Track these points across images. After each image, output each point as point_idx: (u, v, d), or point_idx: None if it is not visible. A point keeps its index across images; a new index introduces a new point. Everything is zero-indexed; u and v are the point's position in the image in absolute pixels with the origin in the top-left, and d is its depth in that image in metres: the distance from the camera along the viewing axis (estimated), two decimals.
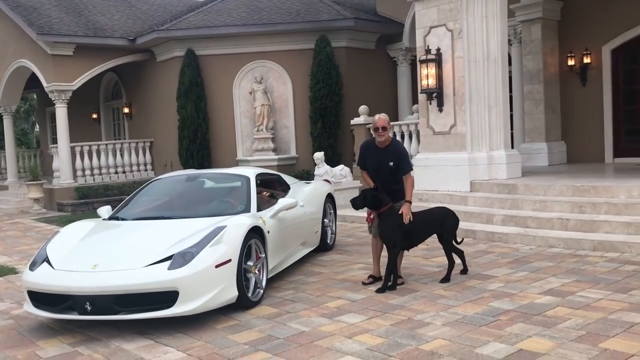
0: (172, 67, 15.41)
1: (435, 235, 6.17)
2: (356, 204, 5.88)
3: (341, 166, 12.03)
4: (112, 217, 6.36)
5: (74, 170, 15.49)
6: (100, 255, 5.11)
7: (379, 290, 5.70)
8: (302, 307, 5.43)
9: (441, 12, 10.31)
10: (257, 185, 6.57)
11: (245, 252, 5.36)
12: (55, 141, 22.04)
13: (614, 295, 5.23)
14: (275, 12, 15.35)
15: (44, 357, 4.55)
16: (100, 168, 15.91)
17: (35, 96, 25.12)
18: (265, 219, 5.98)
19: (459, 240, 6.22)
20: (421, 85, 10.58)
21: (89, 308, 4.80)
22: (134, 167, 16.49)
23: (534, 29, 12.80)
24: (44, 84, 15.36)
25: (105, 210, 6.54)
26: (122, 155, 16.28)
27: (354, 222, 10.42)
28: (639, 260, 6.51)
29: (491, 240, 8.08)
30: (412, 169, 6.14)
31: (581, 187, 8.65)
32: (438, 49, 10.37)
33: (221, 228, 5.24)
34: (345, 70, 14.71)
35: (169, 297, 4.78)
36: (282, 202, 6.38)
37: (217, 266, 4.98)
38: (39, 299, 5.10)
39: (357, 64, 15.20)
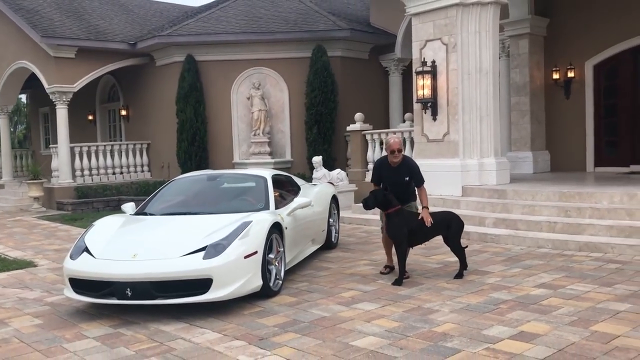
0: (171, 71, 15.84)
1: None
2: (367, 203, 6.42)
3: (338, 170, 12.57)
4: (138, 213, 6.80)
5: (73, 170, 15.81)
6: (139, 246, 5.57)
7: (395, 283, 6.25)
8: (318, 297, 5.95)
9: (437, 27, 10.93)
10: (272, 185, 7.07)
11: (267, 245, 5.86)
12: (48, 142, 22.42)
13: (600, 289, 5.84)
14: (273, 21, 15.87)
15: (90, 336, 5.00)
16: (98, 168, 16.26)
17: (26, 97, 25.28)
18: (283, 216, 6.49)
19: (463, 245, 6.75)
20: (417, 95, 11.18)
21: (129, 293, 5.26)
22: (131, 168, 16.86)
23: (522, 44, 13.50)
24: (45, 85, 15.68)
25: (129, 207, 6.97)
26: (119, 157, 16.65)
27: (352, 224, 10.98)
28: (621, 259, 7.14)
29: (484, 241, 8.67)
30: (424, 182, 6.70)
31: (567, 193, 9.30)
32: (433, 62, 10.98)
33: (247, 223, 5.75)
34: (340, 79, 15.28)
35: (203, 284, 5.27)
36: (297, 201, 6.91)
37: (245, 257, 5.48)
38: (80, 285, 5.54)
39: (351, 73, 15.79)
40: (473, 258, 7.48)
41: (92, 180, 16.05)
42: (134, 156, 16.91)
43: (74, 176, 15.80)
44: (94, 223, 6.34)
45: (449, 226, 6.54)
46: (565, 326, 4.74)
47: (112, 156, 16.56)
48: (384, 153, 7.21)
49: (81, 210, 14.80)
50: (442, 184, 10.82)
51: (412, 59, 14.82)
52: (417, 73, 11.10)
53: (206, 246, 5.43)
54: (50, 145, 16.67)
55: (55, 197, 15.46)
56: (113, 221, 6.36)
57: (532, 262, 7.19)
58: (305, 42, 15.23)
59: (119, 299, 5.36)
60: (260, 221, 5.88)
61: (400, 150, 6.59)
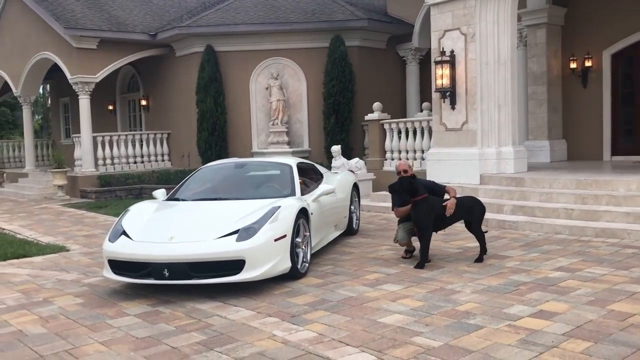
0: (191, 62, 16.10)
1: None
2: (393, 188, 6.66)
3: (356, 159, 12.79)
4: (170, 199, 7.08)
5: (96, 159, 16.17)
6: (175, 229, 5.86)
7: (417, 266, 6.49)
8: (344, 279, 6.21)
9: (455, 17, 11.08)
10: (297, 172, 7.32)
11: (295, 230, 6.12)
12: (68, 132, 22.84)
13: (617, 272, 6.04)
14: (291, 12, 16.06)
15: (131, 314, 5.29)
16: (120, 157, 16.60)
17: (43, 88, 25.66)
18: (309, 202, 6.75)
19: (484, 229, 6.98)
20: (435, 85, 11.36)
21: (166, 274, 5.55)
22: (152, 158, 17.17)
23: (539, 33, 13.60)
24: (68, 76, 16.01)
25: (160, 193, 7.26)
26: (140, 146, 16.98)
27: (371, 212, 11.22)
28: (637, 244, 7.33)
29: (502, 228, 8.88)
30: (445, 186, 7.12)
31: (584, 181, 9.47)
32: (452, 51, 11.14)
33: (276, 208, 6.01)
34: (358, 69, 15.45)
35: (236, 265, 5.55)
36: (322, 187, 7.17)
37: (275, 240, 5.75)
38: (119, 266, 5.84)
39: (369, 63, 15.96)
40: (492, 243, 7.68)
41: (114, 169, 16.41)
42: (155, 146, 17.22)
43: (96, 165, 16.16)
44: (129, 208, 6.63)
45: (472, 212, 6.76)
46: (583, 305, 4.96)
47: (134, 146, 16.89)
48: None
49: (104, 198, 15.16)
50: (460, 173, 11.01)
51: (429, 49, 15.01)
52: (436, 63, 11.27)
53: (239, 229, 5.70)
54: (73, 135, 17.02)
55: (79, 185, 15.83)
56: (147, 206, 6.65)
57: (549, 247, 7.40)
58: (323, 32, 15.41)
59: (156, 279, 5.65)
60: (289, 206, 6.14)
61: (406, 171, 6.88)
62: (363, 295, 5.57)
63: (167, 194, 7.34)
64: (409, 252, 7.17)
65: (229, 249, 5.54)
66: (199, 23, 15.82)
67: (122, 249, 5.80)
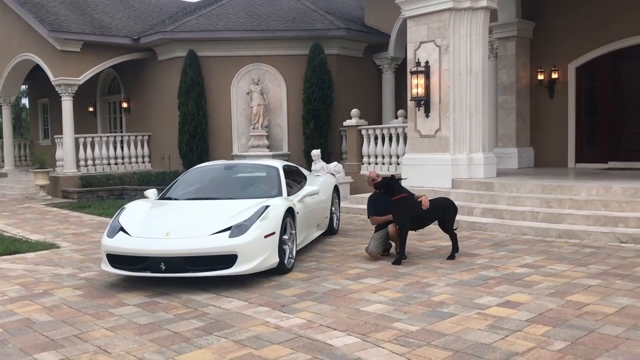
0: (173, 66, 16.44)
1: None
2: (378, 185, 7.17)
3: (335, 163, 13.29)
4: (162, 198, 7.48)
5: (77, 160, 16.38)
6: (170, 226, 6.27)
7: (395, 262, 7.00)
8: (327, 273, 6.69)
9: (430, 29, 11.68)
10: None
11: (282, 227, 6.58)
12: (46, 132, 22.92)
13: (576, 268, 6.63)
14: (272, 19, 16.52)
15: (130, 304, 5.68)
16: (101, 159, 16.84)
17: (25, 88, 25.64)
18: (295, 202, 7.21)
19: (455, 228, 7.53)
20: (411, 94, 11.92)
21: (163, 267, 5.96)
22: (133, 159, 17.44)
23: (509, 46, 14.30)
24: (52, 78, 16.21)
25: (152, 193, 7.65)
26: (121, 148, 17.23)
27: (349, 213, 11.71)
28: (595, 245, 7.96)
29: (472, 229, 9.46)
30: None
31: (549, 186, 10.11)
32: (427, 62, 11.73)
33: (265, 207, 6.46)
34: (336, 76, 15.97)
35: (229, 260, 5.98)
36: (306, 189, 7.65)
37: (265, 236, 6.20)
38: (117, 260, 6.22)
39: (347, 71, 16.50)
40: (463, 243, 8.23)
41: (96, 170, 16.63)
42: (135, 147, 17.49)
43: (78, 166, 16.36)
44: (125, 206, 7.01)
45: (446, 211, 7.30)
46: (544, 297, 5.52)
47: (115, 147, 17.13)
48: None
49: (86, 198, 15.39)
50: (433, 177, 11.59)
51: (404, 58, 15.66)
52: (412, 73, 11.84)
53: (231, 226, 6.14)
54: (55, 136, 17.18)
55: (60, 185, 16.02)
56: (142, 205, 7.04)
57: (516, 247, 7.98)
58: (303, 40, 15.90)
59: (152, 272, 6.05)
60: (277, 206, 6.60)
61: (378, 177, 7.55)
62: (346, 287, 6.05)
63: (158, 194, 7.73)
64: (386, 250, 7.66)
65: (223, 244, 5.97)
66: (181, 28, 16.18)
67: (121, 244, 6.18)
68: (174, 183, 7.91)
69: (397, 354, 4.18)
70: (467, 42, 11.43)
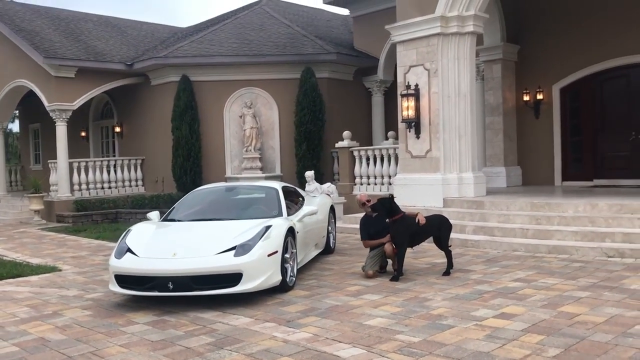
0: (167, 90, 16.72)
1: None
2: (375, 207, 7.43)
3: (328, 183, 13.53)
4: (165, 220, 7.69)
5: (72, 185, 16.52)
6: (177, 246, 6.49)
7: (393, 279, 7.24)
8: (328, 290, 6.92)
9: (419, 54, 12.08)
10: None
11: (284, 246, 6.81)
12: (37, 157, 23.04)
13: (566, 282, 6.92)
14: (264, 45, 16.90)
15: (140, 322, 5.88)
16: (95, 183, 16.99)
17: (16, 113, 25.77)
18: (295, 222, 7.46)
19: (450, 245, 7.81)
20: (402, 116, 12.28)
21: (171, 286, 6.16)
22: (126, 183, 17.61)
23: (495, 68, 14.75)
24: (46, 103, 16.41)
25: (155, 215, 7.87)
26: (115, 172, 17.40)
27: (343, 233, 11.93)
28: (584, 259, 8.27)
29: (465, 246, 9.74)
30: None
31: (537, 203, 10.45)
32: (416, 85, 12.11)
33: (268, 227, 6.71)
34: (327, 99, 16.33)
35: (234, 278, 6.20)
36: (305, 209, 7.90)
37: (268, 255, 6.44)
38: (125, 280, 6.42)
39: (337, 94, 16.87)
40: (457, 259, 8.50)
41: (90, 194, 16.77)
42: (129, 171, 17.67)
43: (72, 190, 16.50)
44: (130, 228, 7.22)
45: (441, 228, 7.59)
46: (537, 308, 5.79)
47: (108, 171, 17.31)
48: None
49: (81, 222, 15.50)
50: (425, 196, 11.89)
51: (393, 81, 16.10)
52: (402, 95, 12.20)
53: (235, 246, 6.37)
54: (49, 161, 17.31)
55: (55, 210, 16.13)
56: (147, 227, 7.25)
57: (508, 263, 8.27)
58: (294, 64, 16.27)
59: (160, 291, 6.25)
60: (278, 225, 6.85)
61: (368, 201, 7.82)
62: (347, 303, 6.28)
63: (161, 216, 7.95)
64: (382, 267, 7.91)
65: (228, 263, 6.20)
66: (175, 54, 16.50)
67: (129, 264, 6.38)
68: (176, 205, 8.13)
69: None
70: (455, 65, 11.83)
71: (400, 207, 7.80)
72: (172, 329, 5.61)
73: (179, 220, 7.60)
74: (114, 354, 4.93)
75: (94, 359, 4.82)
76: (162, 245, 6.60)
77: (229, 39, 17.36)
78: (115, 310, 6.42)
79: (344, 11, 19.82)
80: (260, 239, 6.50)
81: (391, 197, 7.47)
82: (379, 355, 4.60)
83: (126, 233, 7.06)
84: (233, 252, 6.31)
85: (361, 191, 14.27)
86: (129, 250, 6.58)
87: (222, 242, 6.46)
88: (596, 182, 13.93)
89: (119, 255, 6.56)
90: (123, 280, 6.44)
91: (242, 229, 6.77)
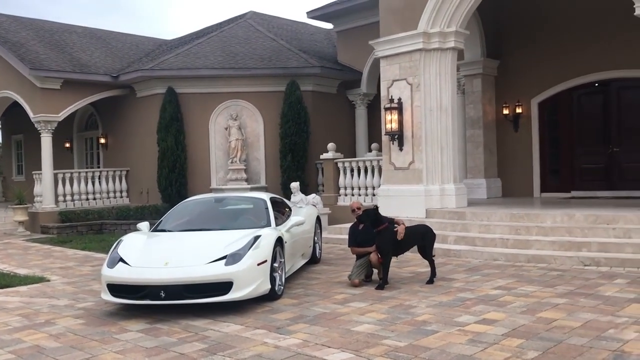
0: (152, 102, 16.85)
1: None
2: (361, 218, 7.65)
3: (313, 195, 13.76)
4: (155, 230, 7.84)
5: (56, 196, 16.53)
6: (168, 256, 6.64)
7: (378, 287, 7.45)
8: (316, 299, 7.12)
9: (402, 68, 12.39)
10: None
11: (273, 256, 7.01)
12: (20, 168, 22.95)
13: (544, 289, 7.19)
14: (249, 58, 17.13)
15: (133, 330, 6.01)
16: (80, 194, 17.03)
17: None
18: (283, 232, 7.66)
19: (433, 255, 8.06)
20: (385, 129, 12.56)
21: (163, 295, 6.32)
22: (111, 194, 17.67)
23: (475, 83, 15.13)
24: (31, 115, 16.45)
25: (144, 225, 8.02)
26: (100, 183, 17.45)
27: (328, 243, 12.15)
28: (561, 268, 8.57)
29: (447, 256, 10.00)
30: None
31: (517, 214, 10.76)
32: (399, 99, 12.41)
33: (258, 237, 6.90)
34: (312, 111, 16.58)
35: (225, 287, 6.38)
36: (293, 219, 8.10)
37: (258, 264, 6.62)
38: (117, 289, 6.55)
39: (322, 106, 17.14)
40: (440, 269, 8.72)
41: (74, 205, 16.80)
42: (114, 182, 17.73)
43: (56, 201, 16.51)
44: (122, 238, 7.36)
45: (425, 237, 7.84)
46: (517, 314, 6.04)
47: (93, 182, 17.36)
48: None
49: (66, 233, 15.51)
50: (408, 207, 12.14)
51: (376, 94, 16.43)
52: (386, 109, 12.49)
53: (226, 255, 6.55)
54: (33, 172, 17.31)
55: (39, 221, 16.12)
56: (139, 237, 7.40)
57: (489, 271, 8.54)
58: (279, 78, 16.52)
59: (152, 300, 6.40)
60: (267, 235, 7.05)
61: (359, 209, 8.09)
62: (335, 311, 6.48)
63: (150, 227, 8.09)
64: (368, 277, 8.13)
65: (219, 272, 6.37)
66: (161, 66, 16.65)
67: (121, 274, 6.53)
68: (166, 216, 8.28)
69: None
70: (437, 80, 12.15)
71: (385, 216, 8.03)
72: (165, 336, 5.76)
73: (169, 231, 7.76)
74: None
75: None
76: (154, 255, 6.75)
77: (214, 51, 17.57)
78: (108, 318, 6.55)
79: (328, 25, 20.16)
80: (250, 248, 6.69)
81: (376, 208, 7.70)
82: (367, 359, 4.80)
83: (118, 243, 7.20)
84: (224, 261, 6.49)
85: (345, 202, 14.52)
86: (121, 259, 6.72)
87: (213, 252, 6.64)
88: (574, 193, 14.33)
89: (112, 264, 6.70)
90: (115, 289, 6.58)
91: (232, 239, 6.95)
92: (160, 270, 6.41)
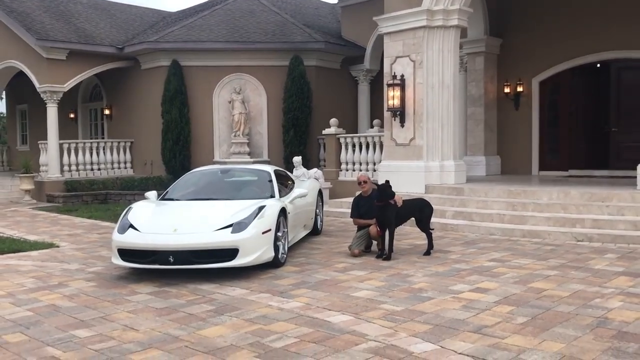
0: (157, 75, 17.01)
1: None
2: (379, 195, 7.86)
3: (315, 169, 13.92)
4: (163, 199, 8.11)
5: (61, 165, 16.79)
6: (177, 222, 6.92)
7: (385, 258, 7.72)
8: (317, 267, 7.41)
9: (406, 45, 12.54)
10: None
11: (277, 225, 7.28)
12: (24, 138, 23.19)
13: (537, 262, 7.48)
14: (253, 32, 17.23)
15: (143, 292, 6.31)
16: (84, 164, 17.29)
17: (3, 94, 25.78)
18: (286, 203, 7.92)
19: (432, 228, 8.34)
20: (387, 105, 12.76)
21: (172, 260, 6.61)
22: (115, 165, 17.92)
23: (478, 61, 15.28)
24: (37, 85, 16.62)
25: (152, 194, 8.28)
26: (104, 153, 17.69)
27: (329, 216, 12.44)
28: (555, 243, 8.86)
29: (445, 230, 10.29)
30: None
31: (514, 191, 11.02)
32: (402, 76, 12.58)
33: (262, 207, 7.17)
34: (315, 86, 16.75)
35: (231, 253, 6.66)
36: (296, 191, 8.37)
37: (263, 233, 6.90)
38: (127, 254, 6.84)
39: (325, 81, 17.30)
40: (437, 242, 9.03)
41: (79, 175, 17.07)
42: (118, 153, 17.96)
43: (62, 171, 16.77)
44: (131, 206, 7.63)
45: (423, 210, 8.11)
46: (509, 284, 6.34)
47: (98, 153, 17.59)
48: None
49: (72, 203, 15.79)
50: (408, 182, 12.41)
51: (379, 70, 16.58)
52: (388, 85, 12.67)
53: (232, 223, 6.83)
54: (39, 142, 17.54)
55: (45, 190, 16.40)
56: (147, 205, 7.67)
57: (485, 245, 8.83)
58: (283, 52, 16.65)
59: (161, 264, 6.69)
60: (272, 205, 7.32)
61: (365, 182, 8.30)
62: (335, 278, 6.78)
63: (158, 196, 8.36)
64: (367, 247, 8.41)
65: (226, 239, 6.65)
66: (166, 39, 16.77)
67: (132, 239, 6.81)
68: (173, 186, 8.55)
69: (387, 327, 4.92)
70: (439, 57, 12.32)
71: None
72: (174, 298, 6.06)
73: (176, 200, 8.02)
74: (123, 318, 5.37)
75: (104, 322, 5.26)
76: (163, 222, 7.03)
77: (218, 25, 17.66)
78: (118, 282, 6.85)
79: (332, 0, 20.20)
80: (255, 217, 6.96)
81: (387, 182, 7.95)
82: (366, 321, 5.10)
83: (127, 210, 7.47)
84: (230, 229, 6.76)
85: (346, 177, 14.80)
86: (132, 226, 6.99)
87: (220, 220, 6.91)
88: (571, 172, 14.58)
89: (122, 230, 6.97)
90: (126, 254, 6.86)
91: (238, 208, 7.22)
92: (170, 237, 6.69)
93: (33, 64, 16.71)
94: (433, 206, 11.10)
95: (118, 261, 6.94)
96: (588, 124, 14.68)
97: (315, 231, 9.84)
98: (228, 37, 16.83)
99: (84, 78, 17.43)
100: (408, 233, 9.70)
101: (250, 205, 7.29)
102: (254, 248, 6.79)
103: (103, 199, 16.30)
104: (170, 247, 6.62)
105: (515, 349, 4.34)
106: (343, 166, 15.13)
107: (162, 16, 22.65)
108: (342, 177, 14.99)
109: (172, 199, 8.08)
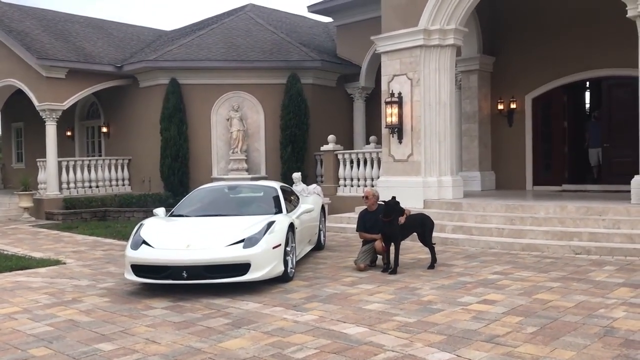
0: (155, 93, 17.19)
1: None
2: (386, 211, 8.05)
3: (314, 185, 14.08)
4: (172, 215, 8.26)
5: (60, 183, 16.86)
6: (189, 238, 7.07)
7: (391, 272, 7.89)
8: (326, 281, 7.58)
9: (403, 64, 12.83)
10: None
11: (286, 240, 7.45)
12: (19, 156, 23.21)
13: (539, 274, 7.69)
14: (251, 50, 17.49)
15: (158, 307, 6.44)
16: (83, 181, 17.38)
17: None
18: (293, 218, 8.10)
19: (433, 242, 8.54)
20: (385, 122, 13.01)
21: (185, 275, 6.75)
22: (113, 182, 18.03)
23: (472, 78, 15.61)
24: (36, 103, 16.73)
25: (161, 211, 8.43)
26: (102, 171, 17.78)
27: (329, 232, 12.59)
28: (554, 256, 9.08)
29: (445, 244, 10.48)
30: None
31: (511, 205, 11.27)
32: (399, 93, 12.86)
33: (272, 222, 7.35)
34: (311, 104, 17.00)
35: (243, 268, 6.82)
36: (303, 207, 8.56)
37: (273, 247, 7.07)
38: (141, 270, 6.97)
39: (321, 99, 17.56)
40: (439, 256, 9.18)
41: (77, 193, 17.15)
42: (116, 171, 18.07)
43: (60, 188, 16.84)
44: (142, 222, 7.76)
45: (424, 225, 8.32)
46: (515, 296, 6.53)
47: (96, 170, 17.69)
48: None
49: (70, 220, 15.85)
50: (406, 198, 12.49)
51: (374, 88, 16.87)
52: (386, 103, 12.94)
53: (244, 239, 6.99)
54: (38, 159, 17.62)
55: (44, 207, 16.45)
56: (158, 221, 7.81)
57: (486, 258, 9.04)
58: (280, 70, 16.91)
59: (174, 279, 6.82)
60: (281, 221, 7.49)
61: (367, 197, 8.59)
62: (345, 292, 6.95)
63: (166, 213, 8.51)
64: (373, 262, 8.59)
65: (238, 254, 6.81)
66: (164, 57, 16.98)
67: (146, 255, 6.94)
68: (181, 202, 8.70)
69: (402, 338, 5.09)
70: (436, 75, 12.61)
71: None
72: (189, 312, 6.19)
73: (186, 216, 8.17)
74: (143, 332, 5.50)
75: (125, 336, 5.38)
76: (176, 238, 7.17)
77: (216, 43, 17.91)
78: (131, 297, 6.97)
79: (326, 19, 20.53)
80: (266, 233, 7.13)
81: (394, 199, 8.14)
82: (382, 333, 5.26)
83: (139, 226, 7.60)
84: (242, 244, 6.92)
85: (344, 193, 15.00)
86: (145, 242, 7.13)
87: (232, 235, 7.07)
88: (565, 187, 14.86)
89: (135, 246, 7.11)
90: (139, 269, 6.99)
91: (248, 224, 7.38)
92: (183, 252, 6.84)
93: (32, 83, 16.84)
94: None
95: (131, 277, 7.07)
96: (578, 139, 15.00)
97: (318, 246, 10.01)
98: (226, 56, 17.07)
99: (83, 96, 17.55)
100: (410, 247, 9.88)
101: (260, 220, 7.45)
102: (265, 263, 6.95)
103: (102, 216, 16.38)
104: (184, 262, 6.76)
105: (529, 357, 4.52)
106: (341, 182, 15.34)
107: (158, 35, 22.89)
108: (340, 193, 15.19)
109: (181, 215, 8.23)
